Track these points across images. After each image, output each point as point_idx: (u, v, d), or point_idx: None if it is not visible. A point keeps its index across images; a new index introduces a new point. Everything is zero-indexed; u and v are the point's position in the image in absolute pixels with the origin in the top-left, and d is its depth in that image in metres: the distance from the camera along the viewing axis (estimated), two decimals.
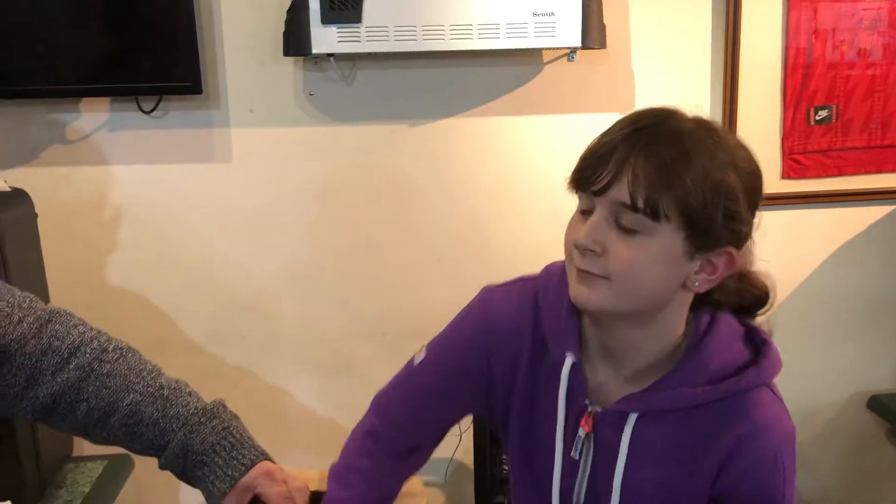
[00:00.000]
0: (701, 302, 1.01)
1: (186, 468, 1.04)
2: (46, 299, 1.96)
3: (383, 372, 2.25)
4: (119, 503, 1.98)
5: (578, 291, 0.96)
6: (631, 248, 0.92)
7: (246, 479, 1.03)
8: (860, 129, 2.24)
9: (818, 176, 2.27)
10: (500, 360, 1.09)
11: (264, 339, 2.26)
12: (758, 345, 1.03)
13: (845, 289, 2.35)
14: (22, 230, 1.85)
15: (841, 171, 2.27)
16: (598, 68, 2.16)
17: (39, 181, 2.04)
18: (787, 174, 2.26)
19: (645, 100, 2.19)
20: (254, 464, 1.03)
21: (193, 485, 1.05)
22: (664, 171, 0.89)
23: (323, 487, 1.12)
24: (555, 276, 1.07)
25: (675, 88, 2.20)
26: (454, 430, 2.23)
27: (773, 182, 2.26)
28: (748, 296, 1.03)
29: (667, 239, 0.91)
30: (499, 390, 1.10)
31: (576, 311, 1.03)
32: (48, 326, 1.06)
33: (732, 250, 0.95)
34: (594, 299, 0.95)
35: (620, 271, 0.92)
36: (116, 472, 1.98)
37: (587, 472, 1.05)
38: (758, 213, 0.97)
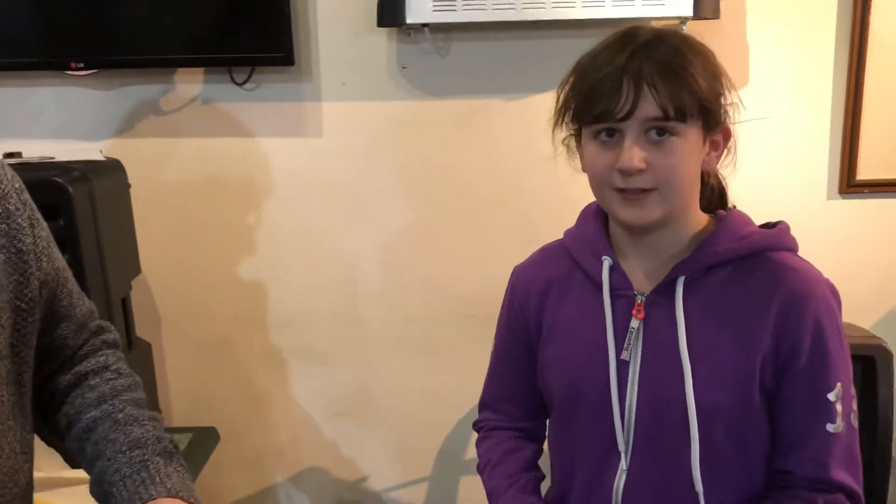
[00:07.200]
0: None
1: (101, 496, 0.99)
2: (137, 270, 1.97)
3: (468, 357, 2.20)
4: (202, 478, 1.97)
5: (631, 214, 1.04)
6: (669, 154, 1.00)
7: None
8: None
9: None
10: (529, 306, 1.20)
11: (355, 318, 2.21)
12: (770, 224, 1.13)
13: None
14: (115, 199, 1.85)
15: None
16: (710, 40, 1.92)
17: (133, 152, 2.05)
18: None
19: (760, 75, 2.03)
20: (152, 499, 0.93)
21: None
22: (677, 76, 0.98)
23: None
24: (577, 221, 1.22)
25: (792, 64, 2.02)
26: None
27: None
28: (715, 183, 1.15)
29: (692, 135, 1.02)
30: (534, 332, 1.20)
31: (602, 227, 1.15)
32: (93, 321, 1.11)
33: (727, 123, 1.07)
34: (649, 214, 1.03)
35: (667, 179, 1.01)
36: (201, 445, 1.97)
37: (637, 372, 1.09)
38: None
